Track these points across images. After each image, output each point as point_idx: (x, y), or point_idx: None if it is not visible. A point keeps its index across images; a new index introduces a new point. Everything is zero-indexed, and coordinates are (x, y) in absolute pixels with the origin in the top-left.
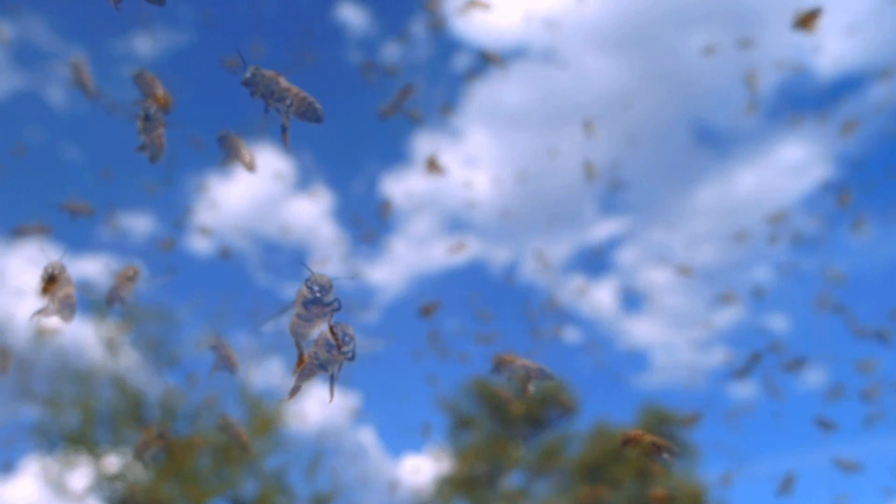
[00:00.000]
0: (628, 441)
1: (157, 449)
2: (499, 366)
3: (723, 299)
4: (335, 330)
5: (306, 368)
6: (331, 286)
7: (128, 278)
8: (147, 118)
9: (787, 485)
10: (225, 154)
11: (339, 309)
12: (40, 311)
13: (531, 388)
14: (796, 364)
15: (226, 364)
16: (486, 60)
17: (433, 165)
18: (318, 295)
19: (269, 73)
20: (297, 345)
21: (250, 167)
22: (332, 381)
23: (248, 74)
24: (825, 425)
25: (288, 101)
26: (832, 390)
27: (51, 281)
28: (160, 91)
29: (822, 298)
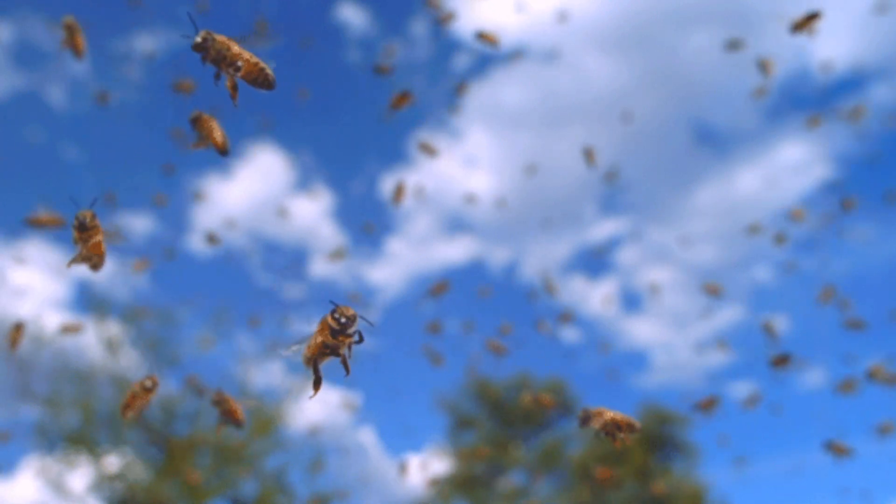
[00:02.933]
0: (588, 418)
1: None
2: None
3: (709, 291)
4: (335, 315)
5: (318, 357)
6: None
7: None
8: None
9: None
10: (197, 135)
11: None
12: (73, 259)
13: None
14: (783, 360)
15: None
16: (483, 41)
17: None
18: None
19: (220, 37)
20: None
21: (223, 148)
22: (345, 360)
23: (198, 39)
24: (836, 449)
25: (238, 66)
26: (840, 386)
27: (82, 229)
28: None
29: (825, 293)
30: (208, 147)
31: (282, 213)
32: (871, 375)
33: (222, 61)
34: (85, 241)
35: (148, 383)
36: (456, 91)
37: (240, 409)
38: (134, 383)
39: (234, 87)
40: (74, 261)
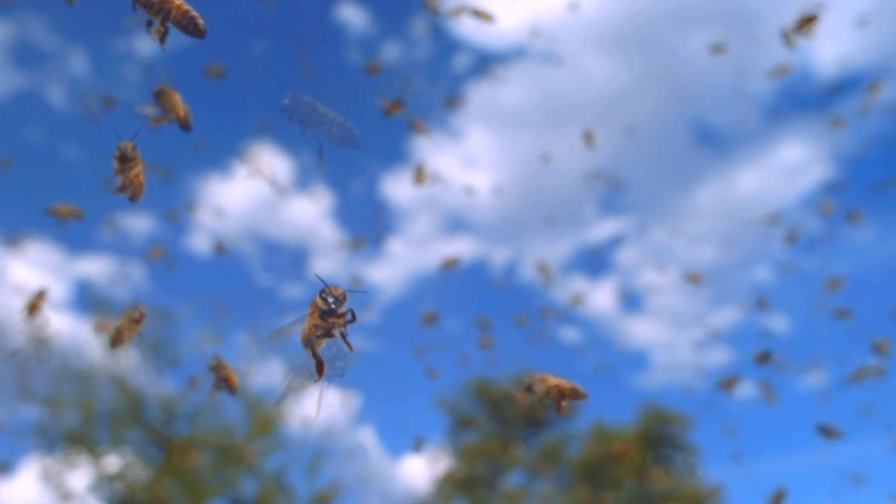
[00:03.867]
0: (531, 385)
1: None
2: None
3: (691, 280)
4: (324, 295)
5: (314, 340)
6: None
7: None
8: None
9: (778, 499)
10: (160, 109)
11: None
12: (117, 189)
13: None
14: (766, 357)
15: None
16: (478, 18)
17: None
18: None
19: None
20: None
21: (186, 122)
22: (343, 337)
23: None
24: (828, 432)
25: (168, 11)
26: (853, 376)
27: (123, 160)
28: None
29: (832, 283)
30: (171, 122)
31: (281, 191)
32: (878, 349)
33: (151, 7)
34: (125, 172)
35: (136, 314)
36: (448, 104)
37: (235, 376)
38: (122, 317)
39: (164, 34)
40: (117, 191)
